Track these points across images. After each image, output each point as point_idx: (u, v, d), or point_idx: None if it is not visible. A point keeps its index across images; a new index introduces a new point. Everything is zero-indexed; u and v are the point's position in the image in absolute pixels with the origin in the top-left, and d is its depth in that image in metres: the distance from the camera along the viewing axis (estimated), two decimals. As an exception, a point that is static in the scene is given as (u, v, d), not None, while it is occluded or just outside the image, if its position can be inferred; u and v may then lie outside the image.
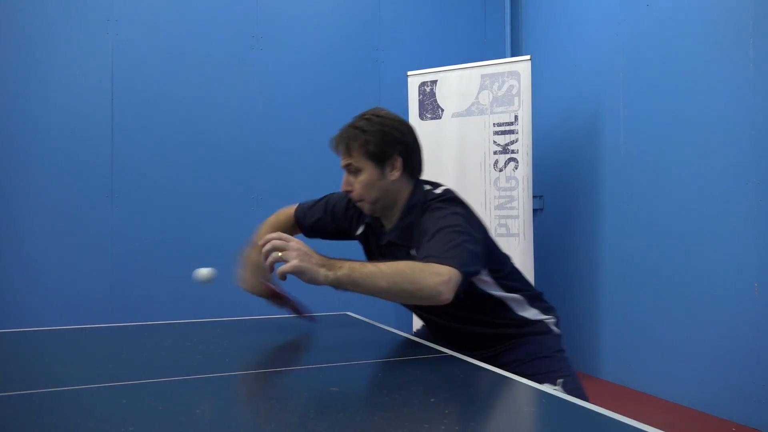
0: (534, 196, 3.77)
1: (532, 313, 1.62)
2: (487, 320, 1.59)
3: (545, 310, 1.65)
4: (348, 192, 1.58)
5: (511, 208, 3.64)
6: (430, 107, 3.83)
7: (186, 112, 3.77)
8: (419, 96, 3.85)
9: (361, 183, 1.54)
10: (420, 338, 1.69)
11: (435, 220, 1.44)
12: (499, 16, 4.54)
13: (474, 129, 3.73)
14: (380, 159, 1.53)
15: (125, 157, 3.65)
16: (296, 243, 1.26)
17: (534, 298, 1.65)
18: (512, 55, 4.46)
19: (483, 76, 3.71)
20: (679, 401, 3.20)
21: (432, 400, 1.06)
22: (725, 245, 2.96)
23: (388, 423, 0.94)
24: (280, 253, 1.24)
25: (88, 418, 0.95)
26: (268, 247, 1.26)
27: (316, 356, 1.54)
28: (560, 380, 1.50)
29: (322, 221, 1.80)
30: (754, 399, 2.83)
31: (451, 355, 1.39)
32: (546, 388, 1.40)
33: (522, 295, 1.62)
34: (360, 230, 1.70)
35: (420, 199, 1.54)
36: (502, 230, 3.63)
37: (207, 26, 3.83)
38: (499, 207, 3.67)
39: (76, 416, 0.98)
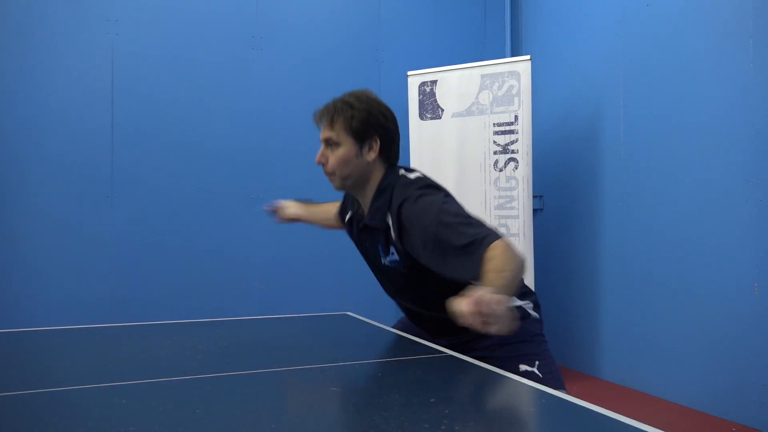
0: (534, 196, 3.77)
1: (518, 302, 1.62)
2: None
3: (522, 296, 1.63)
4: (320, 164, 1.61)
5: (511, 208, 3.64)
6: (430, 107, 3.83)
7: (186, 113, 3.77)
8: (419, 96, 3.85)
9: (337, 157, 1.56)
10: (400, 330, 1.71)
11: (434, 209, 1.44)
12: (499, 16, 4.54)
13: (474, 129, 3.72)
14: (361, 137, 1.56)
15: (125, 158, 3.65)
16: (496, 305, 1.11)
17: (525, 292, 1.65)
18: (512, 55, 4.46)
19: (483, 76, 3.71)
20: (679, 401, 3.20)
21: (432, 400, 1.06)
22: (725, 245, 2.96)
23: (388, 423, 0.94)
24: (494, 323, 1.11)
25: (88, 418, 0.95)
26: (476, 321, 1.11)
27: (316, 356, 1.54)
28: (537, 363, 1.53)
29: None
30: (754, 399, 2.83)
31: (451, 355, 1.39)
32: (525, 368, 1.45)
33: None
34: (347, 216, 1.73)
35: (392, 182, 1.57)
36: (503, 230, 3.63)
37: (207, 26, 3.83)
38: (499, 207, 3.67)
39: (76, 416, 0.98)
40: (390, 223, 1.52)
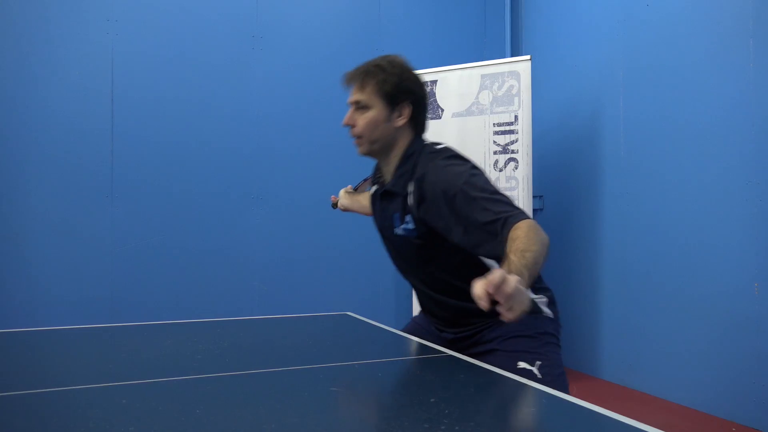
0: (534, 196, 3.77)
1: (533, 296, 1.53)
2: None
3: (537, 290, 1.57)
4: (349, 126, 1.57)
5: (511, 208, 3.64)
6: (430, 107, 3.81)
7: (186, 113, 3.77)
8: (419, 96, 3.85)
9: (367, 120, 1.53)
10: (410, 332, 1.69)
11: (460, 180, 1.39)
12: (499, 16, 4.54)
13: (474, 129, 3.72)
14: (392, 101, 1.53)
15: (125, 157, 3.65)
16: (509, 288, 1.07)
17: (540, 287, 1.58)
18: (512, 55, 4.46)
19: (483, 76, 3.71)
20: (679, 401, 3.20)
21: (432, 400, 1.06)
22: (725, 245, 2.96)
23: (388, 423, 0.94)
24: (509, 305, 1.08)
25: (88, 418, 0.95)
26: (487, 303, 1.08)
27: (316, 356, 1.53)
28: (538, 362, 1.46)
29: None
30: (754, 399, 2.83)
31: (451, 355, 1.39)
32: (524, 365, 1.40)
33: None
34: (372, 189, 1.70)
35: (417, 150, 1.55)
36: (502, 230, 3.63)
37: (207, 26, 3.83)
38: (499, 207, 3.66)
39: (77, 416, 0.98)
40: (410, 190, 1.49)
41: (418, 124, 1.59)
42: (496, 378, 1.23)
